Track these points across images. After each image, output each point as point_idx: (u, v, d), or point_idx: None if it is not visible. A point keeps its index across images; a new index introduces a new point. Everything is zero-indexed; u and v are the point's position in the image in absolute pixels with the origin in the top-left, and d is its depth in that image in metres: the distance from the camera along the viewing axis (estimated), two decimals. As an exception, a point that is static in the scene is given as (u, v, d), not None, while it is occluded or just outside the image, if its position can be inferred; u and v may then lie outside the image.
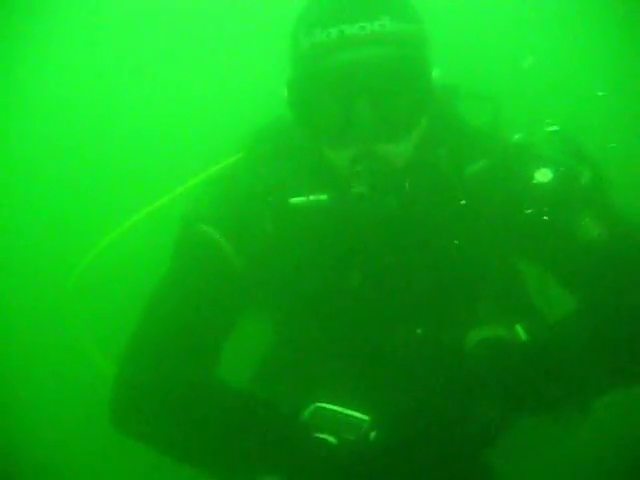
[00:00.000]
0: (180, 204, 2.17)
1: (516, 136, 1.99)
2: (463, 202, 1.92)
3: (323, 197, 1.91)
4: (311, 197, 1.92)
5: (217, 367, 1.90)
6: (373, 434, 1.63)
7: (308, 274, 1.98)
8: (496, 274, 2.04)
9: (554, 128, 1.99)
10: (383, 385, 1.91)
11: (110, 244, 2.31)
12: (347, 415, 1.67)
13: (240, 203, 1.99)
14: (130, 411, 1.82)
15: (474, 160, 1.95)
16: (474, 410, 1.61)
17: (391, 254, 1.97)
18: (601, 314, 1.77)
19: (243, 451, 1.65)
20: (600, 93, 2.21)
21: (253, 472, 1.63)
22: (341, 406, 1.69)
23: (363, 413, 1.67)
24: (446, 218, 1.95)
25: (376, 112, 1.76)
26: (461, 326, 1.87)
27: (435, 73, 1.85)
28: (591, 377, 1.68)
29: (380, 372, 1.99)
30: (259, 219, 1.98)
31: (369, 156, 1.79)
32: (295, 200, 1.93)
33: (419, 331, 2.02)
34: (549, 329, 1.81)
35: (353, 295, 1.99)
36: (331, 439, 1.63)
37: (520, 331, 1.79)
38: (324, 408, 1.69)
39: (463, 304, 2.02)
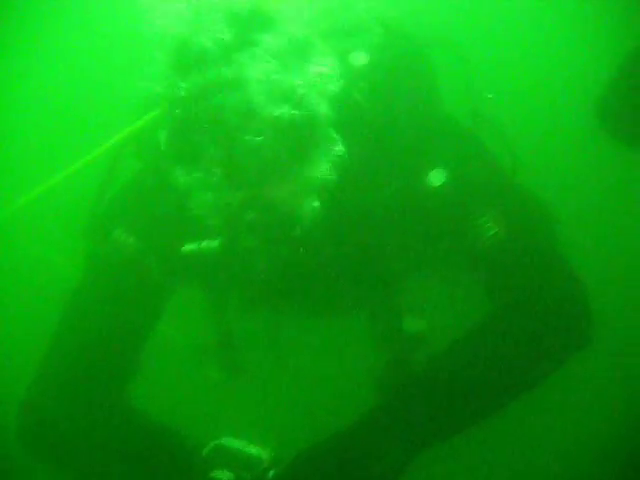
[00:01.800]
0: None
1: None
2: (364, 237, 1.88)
3: (214, 244, 1.81)
4: (203, 244, 1.83)
5: (131, 382, 1.91)
6: (272, 473, 1.62)
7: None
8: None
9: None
10: (284, 423, 1.92)
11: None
12: (246, 453, 1.66)
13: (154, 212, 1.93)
14: (36, 435, 1.82)
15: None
16: (378, 450, 1.59)
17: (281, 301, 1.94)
18: (505, 318, 1.75)
19: None
20: (489, 95, 2.14)
21: None
22: (242, 443, 1.68)
23: (265, 450, 1.65)
24: (342, 255, 1.90)
25: (261, 155, 1.63)
26: None
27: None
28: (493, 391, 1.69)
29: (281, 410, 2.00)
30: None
31: (257, 202, 1.69)
32: (186, 248, 1.85)
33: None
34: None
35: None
36: (227, 477, 1.61)
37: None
38: (224, 445, 1.68)
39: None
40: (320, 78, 1.65)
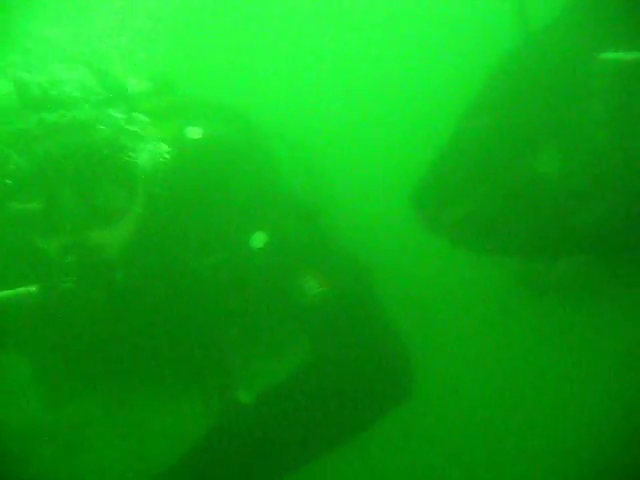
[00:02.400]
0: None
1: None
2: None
3: (32, 289, 1.78)
4: (21, 289, 1.78)
5: None
6: None
7: None
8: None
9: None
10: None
11: None
12: None
13: None
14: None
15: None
16: None
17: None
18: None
19: None
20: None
21: None
22: None
23: None
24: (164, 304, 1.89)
25: (81, 200, 1.69)
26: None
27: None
28: None
29: None
30: None
31: (78, 247, 1.70)
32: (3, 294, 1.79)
33: None
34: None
35: None
36: None
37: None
38: None
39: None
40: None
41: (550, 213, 1.85)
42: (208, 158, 1.91)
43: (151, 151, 1.80)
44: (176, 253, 1.87)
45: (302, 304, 1.86)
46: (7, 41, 1.81)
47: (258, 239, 1.87)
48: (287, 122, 2.46)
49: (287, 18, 3.11)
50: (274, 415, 1.79)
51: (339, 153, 2.77)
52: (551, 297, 2.36)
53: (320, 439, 1.81)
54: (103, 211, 1.72)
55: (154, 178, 1.80)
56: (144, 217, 1.81)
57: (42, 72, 1.71)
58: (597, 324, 2.37)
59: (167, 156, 1.84)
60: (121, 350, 1.91)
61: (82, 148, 1.68)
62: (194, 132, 1.91)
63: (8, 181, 1.68)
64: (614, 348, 2.39)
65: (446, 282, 2.56)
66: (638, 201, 1.80)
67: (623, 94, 1.77)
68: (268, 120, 2.24)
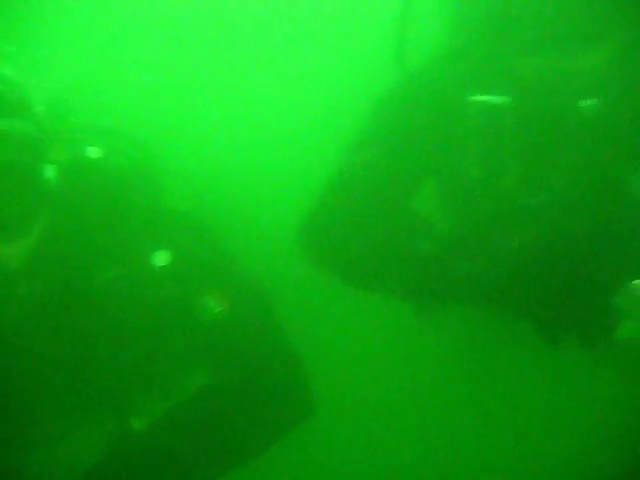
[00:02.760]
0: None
1: None
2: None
3: None
4: None
5: None
6: None
7: None
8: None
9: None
10: None
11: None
12: None
13: None
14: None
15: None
16: None
17: None
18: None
19: None
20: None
21: None
22: None
23: None
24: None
25: None
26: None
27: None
28: None
29: None
30: None
31: None
32: None
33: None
34: None
35: None
36: None
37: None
38: None
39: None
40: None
41: (430, 257, 1.82)
42: (107, 176, 1.92)
43: (53, 168, 1.80)
44: (76, 268, 1.85)
45: (201, 324, 1.87)
46: None
47: (160, 257, 1.87)
48: (183, 151, 2.52)
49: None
50: (169, 439, 1.79)
51: (232, 180, 2.83)
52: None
53: (217, 463, 1.81)
54: (6, 225, 1.71)
55: (56, 194, 1.80)
56: (46, 231, 1.81)
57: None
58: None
59: (68, 174, 1.84)
60: (22, 367, 1.86)
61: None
62: (94, 152, 1.92)
63: None
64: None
65: (342, 305, 2.59)
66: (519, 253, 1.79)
67: (492, 135, 1.85)
68: (164, 145, 2.27)
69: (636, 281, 1.64)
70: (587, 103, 1.73)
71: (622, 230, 1.75)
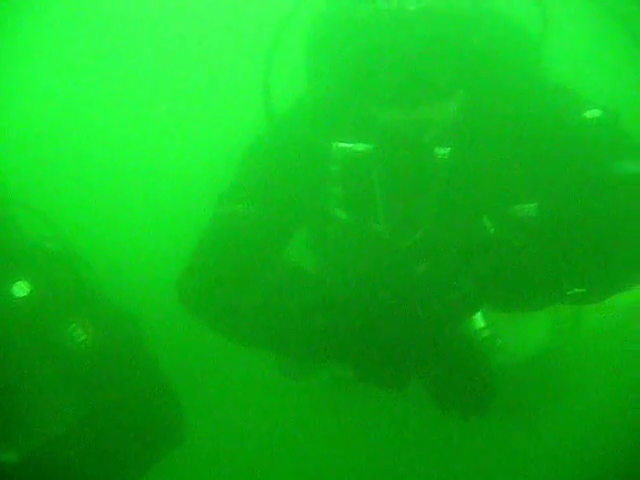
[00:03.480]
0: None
1: None
2: None
3: None
4: None
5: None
6: None
7: None
8: None
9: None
10: None
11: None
12: None
13: None
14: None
15: None
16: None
17: None
18: None
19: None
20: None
21: None
22: None
23: None
24: None
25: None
26: None
27: None
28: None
29: None
30: None
31: None
32: None
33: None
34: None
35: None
36: None
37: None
38: None
39: None
40: None
41: (301, 310, 1.81)
42: None
43: None
44: None
45: (66, 353, 1.85)
46: None
47: (19, 288, 1.83)
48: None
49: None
50: (43, 471, 1.76)
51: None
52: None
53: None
54: None
55: None
56: None
57: None
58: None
59: None
60: None
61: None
62: None
63: None
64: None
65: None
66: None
67: (356, 180, 1.93)
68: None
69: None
70: (442, 151, 1.83)
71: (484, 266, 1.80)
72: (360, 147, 1.88)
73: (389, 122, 1.80)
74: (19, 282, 1.84)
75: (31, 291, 1.84)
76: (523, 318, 1.85)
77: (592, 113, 1.83)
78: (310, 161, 1.93)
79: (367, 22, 1.74)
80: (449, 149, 1.83)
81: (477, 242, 1.85)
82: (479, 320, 1.74)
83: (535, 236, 1.75)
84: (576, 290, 1.70)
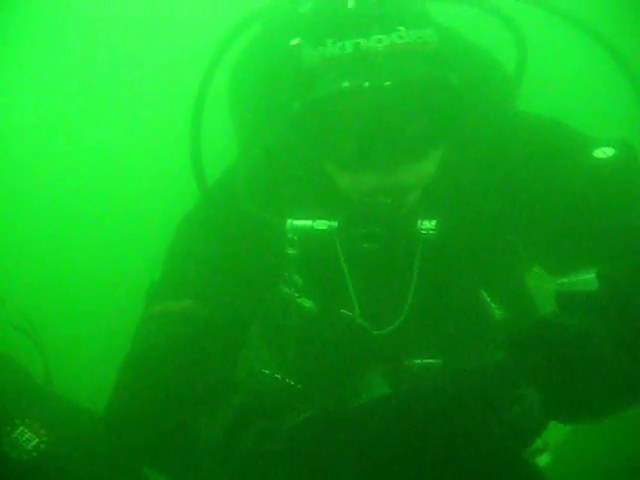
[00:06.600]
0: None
1: None
2: None
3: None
4: None
5: None
6: None
7: None
8: None
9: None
10: None
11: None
12: None
13: None
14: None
15: None
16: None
17: None
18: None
19: None
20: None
21: None
22: None
23: None
24: None
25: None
26: None
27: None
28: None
29: None
30: None
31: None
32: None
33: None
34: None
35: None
36: None
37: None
38: None
39: None
40: None
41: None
42: None
43: None
44: None
45: (20, 459, 1.70)
46: None
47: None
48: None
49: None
50: None
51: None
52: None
53: None
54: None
55: None
56: None
57: None
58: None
59: None
60: None
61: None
62: None
63: None
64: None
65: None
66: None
67: (319, 265, 1.57)
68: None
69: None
70: (427, 224, 1.48)
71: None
72: (321, 225, 1.52)
73: (356, 191, 1.47)
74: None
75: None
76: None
77: (603, 151, 1.50)
78: (260, 244, 1.57)
79: (318, 70, 1.42)
80: (434, 222, 1.48)
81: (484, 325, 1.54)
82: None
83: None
84: None
